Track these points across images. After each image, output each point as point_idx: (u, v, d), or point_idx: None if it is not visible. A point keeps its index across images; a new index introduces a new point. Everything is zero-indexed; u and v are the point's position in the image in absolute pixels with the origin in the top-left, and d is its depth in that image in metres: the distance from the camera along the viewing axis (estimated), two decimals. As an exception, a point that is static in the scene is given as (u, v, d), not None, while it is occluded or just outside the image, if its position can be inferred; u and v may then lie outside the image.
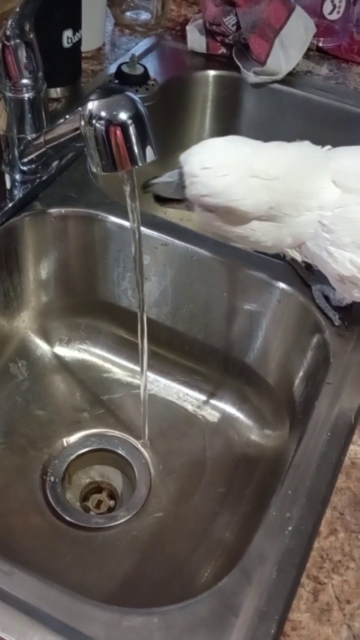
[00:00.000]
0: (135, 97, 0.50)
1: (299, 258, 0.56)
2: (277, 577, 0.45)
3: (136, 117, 0.49)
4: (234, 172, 0.51)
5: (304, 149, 0.55)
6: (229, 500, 0.67)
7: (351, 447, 0.53)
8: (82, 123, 0.50)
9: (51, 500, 0.66)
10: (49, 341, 0.77)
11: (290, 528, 0.47)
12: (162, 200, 0.53)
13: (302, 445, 0.53)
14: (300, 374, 0.64)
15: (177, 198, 0.51)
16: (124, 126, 0.49)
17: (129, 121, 0.49)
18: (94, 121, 0.49)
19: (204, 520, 0.65)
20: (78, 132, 0.53)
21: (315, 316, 0.62)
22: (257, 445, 0.70)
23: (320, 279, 0.62)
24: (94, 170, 0.51)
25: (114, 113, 0.49)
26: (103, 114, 0.49)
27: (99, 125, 0.49)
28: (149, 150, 0.50)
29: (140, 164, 0.50)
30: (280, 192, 0.51)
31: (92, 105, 0.49)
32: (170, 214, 0.96)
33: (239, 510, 0.66)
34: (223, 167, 0.50)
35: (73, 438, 0.71)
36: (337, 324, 0.61)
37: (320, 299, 0.62)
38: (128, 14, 0.99)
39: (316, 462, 0.51)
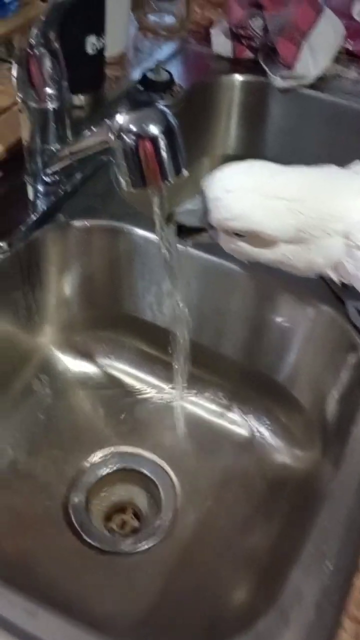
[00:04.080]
0: (166, 110, 0.47)
1: (335, 278, 0.54)
2: (316, 617, 0.42)
3: (167, 131, 0.47)
4: (257, 195, 0.49)
5: (327, 169, 0.52)
6: (258, 523, 0.64)
7: (391, 476, 0.50)
8: (111, 136, 0.48)
9: (75, 522, 0.64)
10: (72, 356, 0.75)
11: (328, 564, 0.45)
12: (185, 232, 0.51)
13: (339, 474, 0.50)
14: (334, 394, 0.62)
15: (201, 227, 0.49)
16: (154, 140, 0.46)
17: (160, 135, 0.46)
18: (123, 135, 0.47)
19: (232, 544, 0.63)
20: (105, 145, 0.51)
21: (350, 334, 0.60)
22: (287, 466, 0.68)
23: (355, 295, 0.60)
24: (123, 187, 0.49)
25: (144, 127, 0.46)
26: (133, 127, 0.47)
27: (129, 139, 0.47)
28: (180, 166, 0.48)
29: (171, 181, 0.48)
30: (305, 214, 0.49)
31: (121, 119, 0.47)
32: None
33: (269, 533, 0.63)
34: (246, 190, 0.49)
35: (97, 456, 0.69)
36: (373, 342, 0.58)
37: (356, 316, 0.60)
38: (151, 17, 0.97)
39: (355, 493, 0.49)
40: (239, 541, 0.63)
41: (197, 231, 0.50)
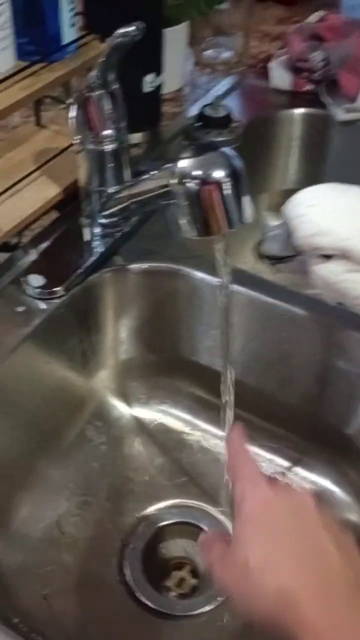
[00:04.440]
0: (232, 153, 0.45)
1: None
2: None
3: (233, 175, 0.44)
4: (340, 210, 0.46)
5: None
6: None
7: None
8: (173, 182, 0.46)
9: (130, 582, 0.61)
10: (127, 401, 0.72)
11: None
12: (272, 262, 0.48)
13: None
14: None
15: (287, 255, 0.46)
16: (219, 186, 0.44)
17: (226, 180, 0.44)
18: (186, 180, 0.45)
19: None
20: (166, 189, 0.49)
21: None
22: (357, 524, 0.63)
23: None
24: (186, 235, 0.46)
25: (209, 172, 0.44)
26: (196, 172, 0.44)
27: (192, 185, 0.44)
28: (246, 211, 0.45)
29: (235, 228, 0.45)
30: None
31: (184, 164, 0.45)
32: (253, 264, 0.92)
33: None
34: (327, 205, 0.46)
35: (152, 509, 0.66)
36: None
37: None
38: (208, 52, 0.95)
39: None
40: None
41: (286, 258, 0.48)
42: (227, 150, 0.45)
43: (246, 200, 0.45)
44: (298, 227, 0.46)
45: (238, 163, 0.45)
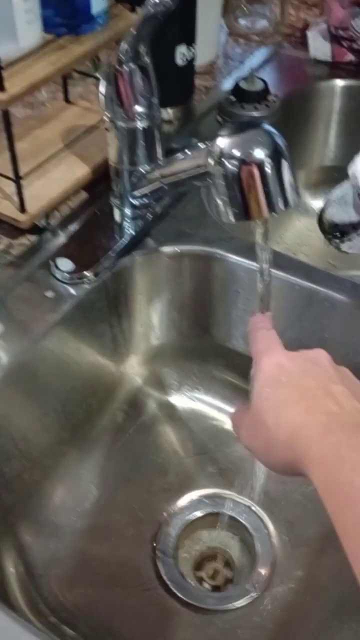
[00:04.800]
0: (274, 130, 0.41)
1: None
2: None
3: (275, 155, 0.41)
4: None
5: None
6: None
7: None
8: (211, 162, 0.43)
9: (163, 573, 0.59)
10: (159, 388, 0.70)
11: None
12: (337, 235, 0.44)
13: None
14: None
15: (356, 221, 0.43)
16: (260, 167, 0.41)
17: (267, 161, 0.41)
18: (224, 160, 0.42)
19: (340, 608, 0.56)
20: (202, 169, 0.46)
21: None
22: None
23: None
24: (223, 219, 0.43)
25: (249, 151, 0.41)
26: (236, 152, 0.41)
27: (231, 165, 0.41)
28: (290, 194, 0.41)
29: (278, 213, 0.42)
30: None
31: (222, 142, 0.42)
32: (289, 243, 0.88)
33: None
34: None
35: (185, 499, 0.65)
36: None
37: None
38: (243, 22, 0.91)
39: None
40: (347, 607, 0.56)
41: (348, 229, 0.44)
42: (269, 127, 0.42)
43: (289, 182, 0.42)
44: None
45: (281, 141, 0.41)
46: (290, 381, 0.39)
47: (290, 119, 0.80)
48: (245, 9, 0.91)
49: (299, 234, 0.90)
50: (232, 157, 0.41)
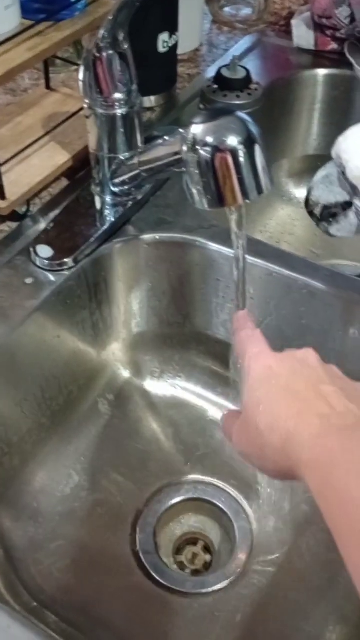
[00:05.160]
0: (248, 118, 0.42)
1: None
2: None
3: (249, 142, 0.41)
4: None
5: None
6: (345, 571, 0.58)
7: None
8: (184, 149, 0.43)
9: (142, 557, 0.60)
10: (140, 375, 0.70)
11: None
12: (325, 218, 0.44)
13: None
14: None
15: (341, 201, 0.43)
16: (234, 154, 0.41)
17: (241, 148, 0.41)
18: (198, 147, 0.42)
19: (317, 590, 0.57)
20: (178, 157, 0.46)
21: None
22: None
23: None
24: (198, 206, 0.44)
25: (223, 138, 0.41)
26: (209, 139, 0.41)
27: (205, 152, 0.42)
28: (263, 181, 0.42)
29: (252, 199, 0.42)
30: None
31: (196, 129, 0.42)
32: (272, 232, 0.88)
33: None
34: None
35: (165, 484, 0.65)
36: None
37: None
38: (227, 9, 0.91)
39: None
40: (325, 588, 0.57)
41: (337, 211, 0.44)
42: (243, 114, 0.42)
43: (263, 169, 0.42)
44: (354, 152, 0.43)
45: (254, 129, 0.42)
46: (280, 384, 0.38)
47: (273, 107, 0.80)
48: (229, -4, 0.91)
49: (282, 223, 0.90)
50: (206, 144, 0.42)
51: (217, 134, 0.41)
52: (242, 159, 0.41)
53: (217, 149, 0.41)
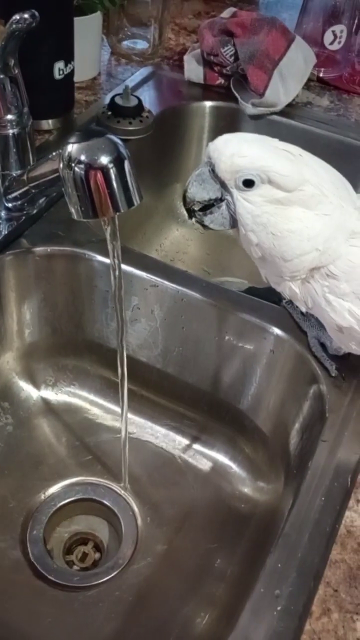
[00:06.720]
0: (118, 140, 0.47)
1: (298, 295, 0.53)
2: (264, 664, 0.41)
3: (117, 160, 0.46)
4: (264, 143, 0.49)
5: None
6: (220, 557, 0.63)
7: (347, 513, 0.49)
8: (61, 166, 0.47)
9: (31, 556, 0.62)
10: (34, 383, 0.73)
11: (279, 608, 0.43)
12: (199, 213, 0.50)
13: (294, 511, 0.49)
14: (296, 425, 0.61)
15: (214, 197, 0.48)
16: (104, 171, 0.46)
17: (110, 165, 0.46)
18: (73, 165, 0.46)
19: (193, 578, 0.62)
20: (57, 173, 0.50)
21: (311, 365, 0.59)
22: (250, 498, 0.67)
23: (316, 325, 0.59)
24: (74, 216, 0.48)
25: (94, 157, 0.46)
26: (82, 157, 0.46)
27: (78, 169, 0.46)
28: (132, 196, 0.47)
29: (122, 211, 0.47)
30: (314, 171, 0.49)
31: (71, 148, 0.47)
32: (167, 251, 0.94)
33: (231, 568, 0.62)
34: (247, 136, 0.50)
35: (57, 487, 0.68)
36: (333, 374, 0.57)
37: (317, 347, 0.59)
38: (125, 43, 0.97)
39: (309, 531, 0.47)
40: (200, 576, 0.61)
41: (210, 206, 0.50)
42: (113, 136, 0.47)
43: (132, 185, 0.47)
44: (222, 153, 0.49)
45: (123, 150, 0.47)
46: None
47: (164, 134, 0.86)
48: (127, 30, 0.97)
49: (177, 243, 0.96)
50: (80, 161, 0.46)
51: (89, 152, 0.46)
52: (112, 175, 0.46)
53: (89, 166, 0.46)
